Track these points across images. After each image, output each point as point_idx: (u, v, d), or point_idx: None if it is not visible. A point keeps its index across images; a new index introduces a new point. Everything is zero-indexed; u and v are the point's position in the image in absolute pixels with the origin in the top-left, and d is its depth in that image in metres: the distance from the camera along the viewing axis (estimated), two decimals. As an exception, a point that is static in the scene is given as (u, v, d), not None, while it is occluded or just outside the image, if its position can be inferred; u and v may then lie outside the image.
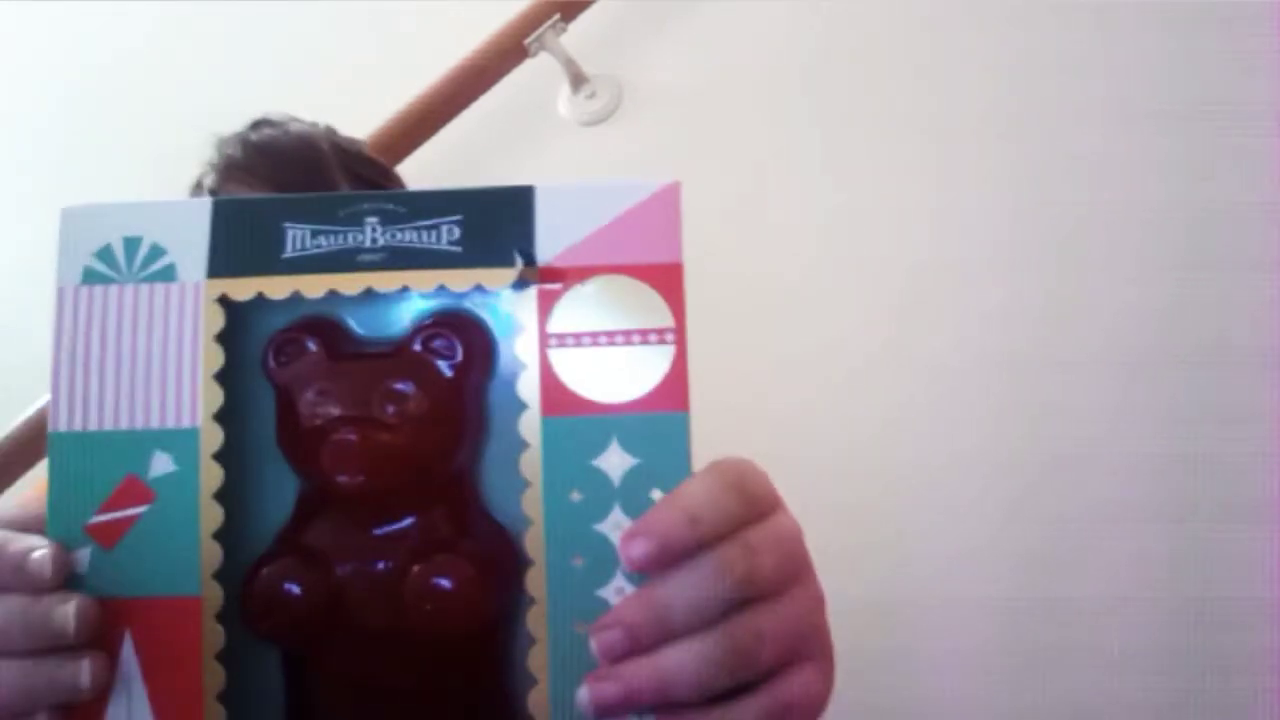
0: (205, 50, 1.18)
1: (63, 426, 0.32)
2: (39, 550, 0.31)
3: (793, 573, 0.32)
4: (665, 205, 0.32)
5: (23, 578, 0.31)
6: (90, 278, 0.33)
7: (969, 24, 1.05)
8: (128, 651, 0.31)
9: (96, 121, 1.19)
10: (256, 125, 0.74)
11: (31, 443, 1.02)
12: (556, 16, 1.06)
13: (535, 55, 1.07)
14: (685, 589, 0.30)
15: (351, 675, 0.33)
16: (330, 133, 0.75)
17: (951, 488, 0.97)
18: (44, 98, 1.22)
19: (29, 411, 1.03)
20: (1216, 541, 0.91)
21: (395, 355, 0.33)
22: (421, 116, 1.05)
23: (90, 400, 0.32)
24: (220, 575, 0.31)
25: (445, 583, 0.31)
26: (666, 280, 0.31)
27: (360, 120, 1.02)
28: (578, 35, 1.08)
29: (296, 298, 0.32)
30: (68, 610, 0.31)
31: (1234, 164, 0.98)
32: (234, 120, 0.76)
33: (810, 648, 0.33)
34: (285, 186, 0.69)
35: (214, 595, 0.31)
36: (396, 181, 0.77)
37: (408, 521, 0.33)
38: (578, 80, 1.10)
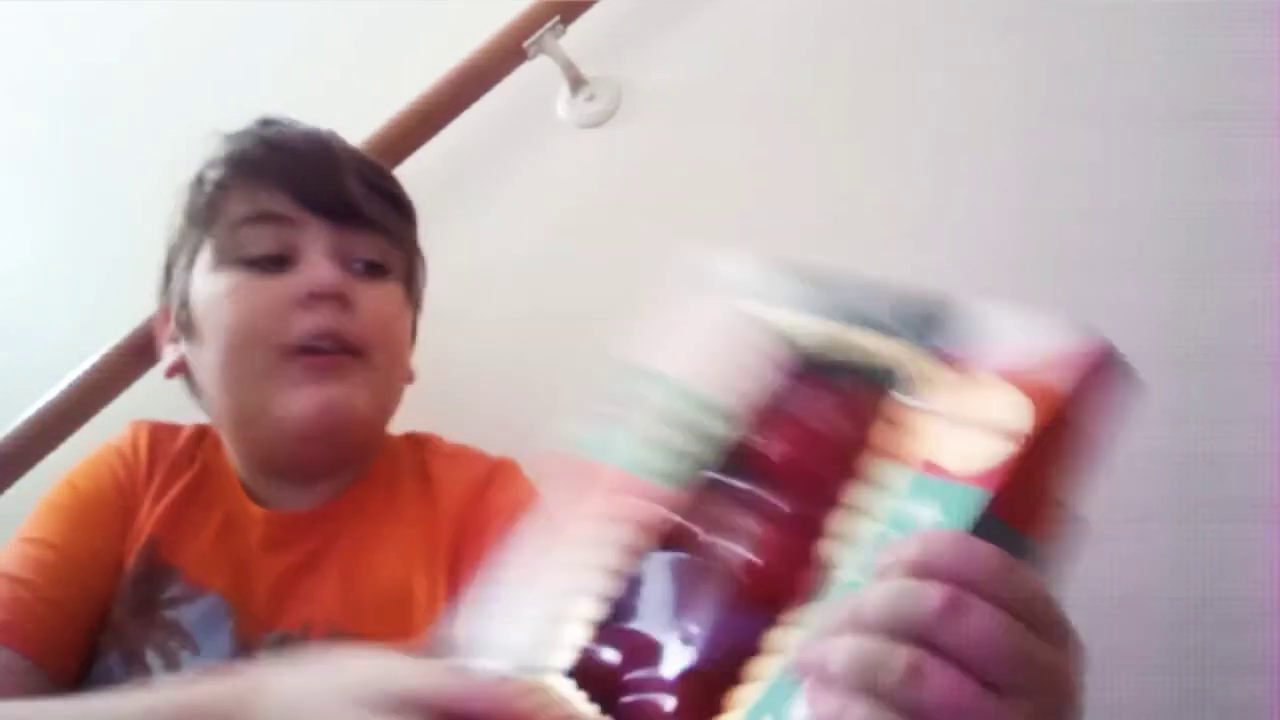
0: (205, 51, 1.18)
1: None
2: None
3: (994, 655, 0.32)
4: (1082, 354, 0.35)
5: None
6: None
7: (970, 26, 1.05)
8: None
9: (96, 123, 1.20)
10: (266, 123, 0.73)
11: (32, 443, 1.02)
12: (556, 19, 1.06)
13: (534, 57, 1.08)
14: (875, 594, 0.33)
15: None
16: (340, 139, 0.75)
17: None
18: (44, 99, 1.23)
19: (29, 412, 1.03)
20: (1218, 541, 0.91)
21: (830, 393, 0.42)
22: (421, 118, 1.05)
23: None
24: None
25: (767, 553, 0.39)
26: (1040, 400, 0.35)
27: (360, 122, 1.03)
28: (577, 38, 1.08)
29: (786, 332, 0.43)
30: None
31: (1235, 164, 0.98)
32: (233, 121, 0.76)
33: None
34: (299, 184, 0.68)
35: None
36: (393, 182, 0.77)
37: (787, 504, 0.41)
38: (577, 83, 1.10)
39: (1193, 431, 0.93)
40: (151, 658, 0.64)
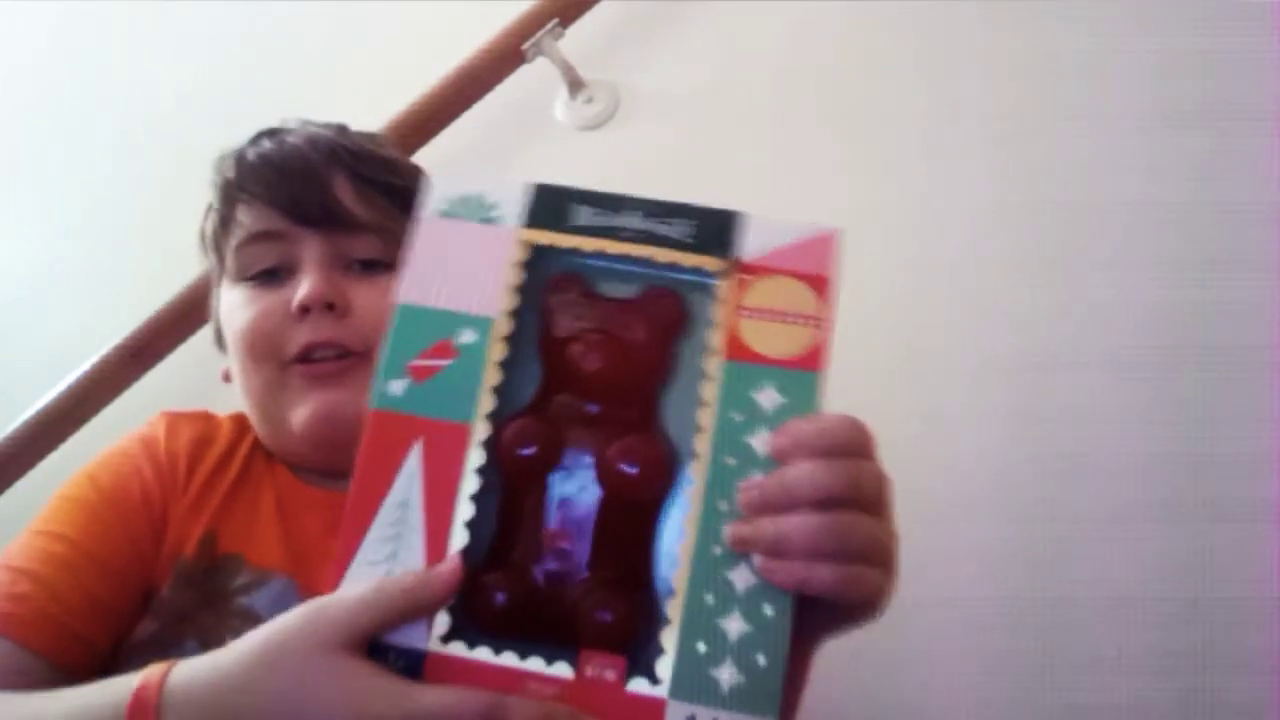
0: (202, 53, 1.19)
1: (406, 300, 0.48)
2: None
3: (884, 503, 0.46)
4: (826, 240, 0.48)
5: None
6: (446, 214, 0.50)
7: (969, 25, 1.05)
8: (415, 454, 0.45)
9: (94, 125, 1.20)
10: (256, 139, 0.74)
11: (32, 443, 1.03)
12: (554, 22, 1.07)
13: (533, 60, 1.08)
14: (807, 475, 0.43)
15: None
16: (340, 134, 0.75)
17: (952, 487, 0.96)
18: (45, 100, 1.24)
19: (29, 412, 1.04)
20: (1217, 541, 0.90)
21: (627, 303, 0.49)
22: (419, 121, 1.06)
23: (429, 287, 0.48)
24: (490, 415, 0.46)
25: (637, 455, 0.46)
26: (819, 286, 0.47)
27: (359, 124, 1.03)
28: (575, 40, 1.09)
29: (576, 250, 0.48)
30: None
31: (1234, 164, 0.98)
32: (230, 123, 0.77)
33: (885, 560, 0.45)
34: (286, 200, 0.70)
35: (481, 427, 0.46)
36: (408, 174, 0.76)
37: (614, 411, 0.48)
38: (575, 85, 1.11)
39: (1191, 431, 0.93)
40: None
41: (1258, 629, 0.87)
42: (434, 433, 0.46)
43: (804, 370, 0.45)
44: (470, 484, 0.45)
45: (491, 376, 0.46)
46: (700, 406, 0.46)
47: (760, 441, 0.45)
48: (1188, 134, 0.99)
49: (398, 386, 0.47)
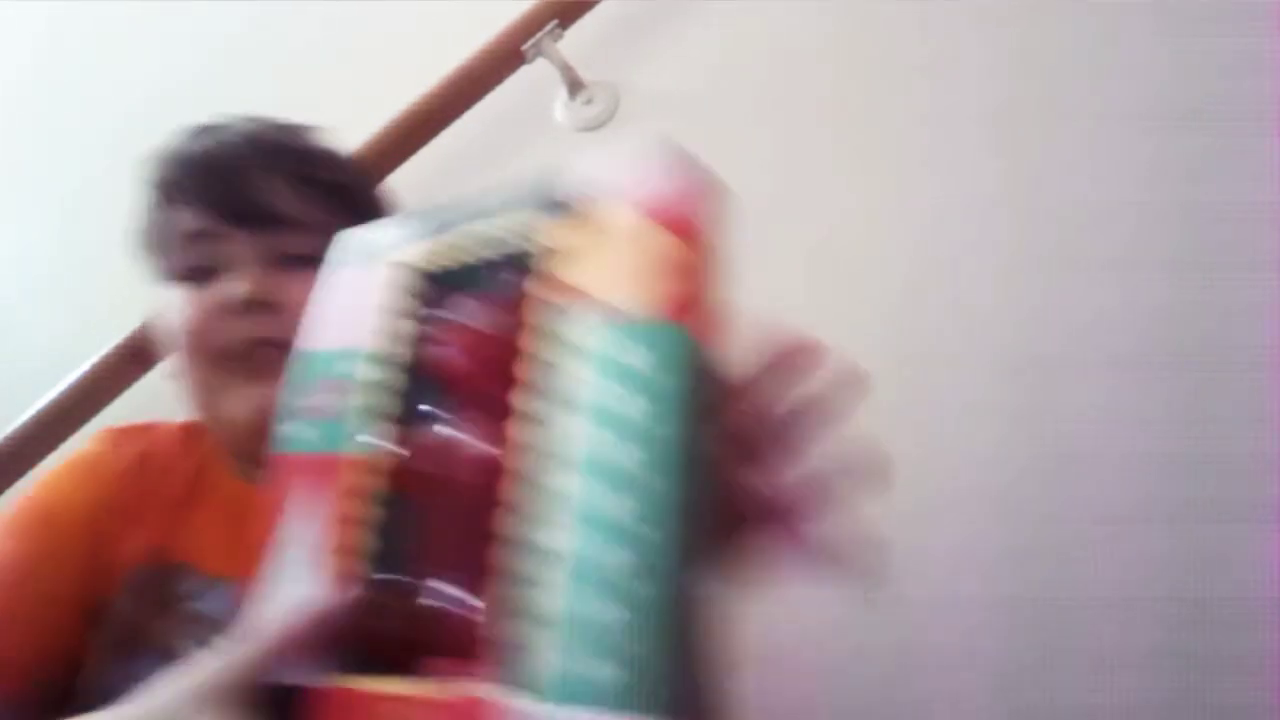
0: (202, 54, 1.19)
1: (301, 347, 0.49)
2: None
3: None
4: (690, 181, 0.43)
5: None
6: (340, 263, 0.51)
7: (968, 25, 1.05)
8: (309, 489, 0.45)
9: (92, 124, 1.21)
10: (188, 137, 0.74)
11: (32, 443, 1.03)
12: (554, 22, 1.07)
13: (532, 61, 1.08)
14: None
15: None
16: (279, 133, 0.75)
17: (950, 487, 0.96)
18: (43, 99, 1.24)
19: (29, 412, 1.04)
20: (1216, 541, 0.90)
21: (487, 297, 0.45)
22: (419, 122, 1.06)
23: (320, 332, 0.49)
24: (381, 440, 0.44)
25: (498, 443, 0.43)
26: (682, 231, 0.41)
27: (357, 126, 1.03)
28: (575, 41, 1.09)
29: (435, 264, 0.47)
30: None
31: (1234, 164, 0.98)
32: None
33: None
34: (217, 200, 0.70)
35: (371, 453, 0.44)
36: (336, 170, 0.76)
37: (486, 406, 0.44)
38: (575, 86, 1.11)
39: (1190, 431, 0.93)
40: (192, 650, 0.64)
41: (1258, 629, 0.87)
42: (326, 466, 0.45)
43: (666, 323, 0.40)
44: (364, 511, 0.44)
45: (380, 403, 0.46)
46: (562, 377, 0.41)
47: (635, 408, 0.39)
48: (1188, 134, 0.98)
49: (293, 428, 0.47)
